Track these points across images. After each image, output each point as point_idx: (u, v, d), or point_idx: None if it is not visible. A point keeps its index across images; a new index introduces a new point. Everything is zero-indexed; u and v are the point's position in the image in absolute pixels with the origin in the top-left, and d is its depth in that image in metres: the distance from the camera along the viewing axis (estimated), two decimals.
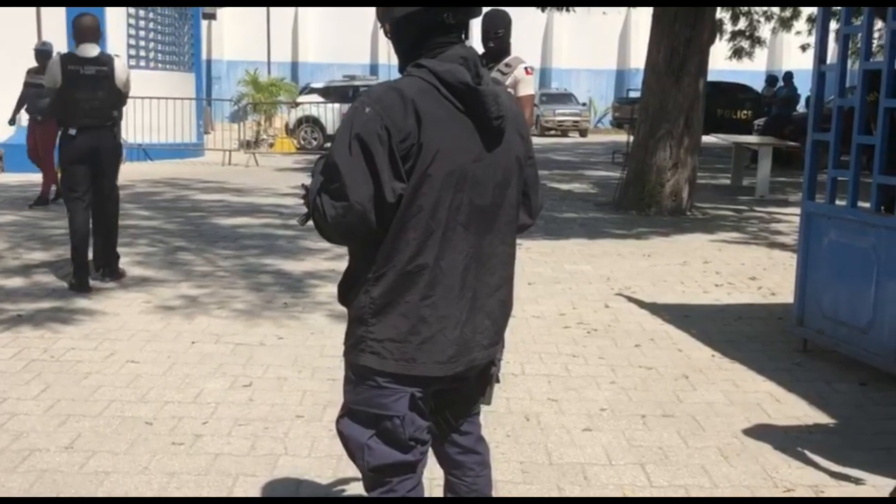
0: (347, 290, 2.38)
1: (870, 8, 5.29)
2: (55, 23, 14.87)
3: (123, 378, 4.91)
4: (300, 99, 24.10)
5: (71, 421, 4.28)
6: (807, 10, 21.23)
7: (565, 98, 34.08)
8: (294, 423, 4.31)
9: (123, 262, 7.45)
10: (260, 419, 4.36)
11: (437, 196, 2.24)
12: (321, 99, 22.96)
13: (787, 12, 21.55)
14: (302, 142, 22.58)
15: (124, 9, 17.80)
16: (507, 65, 5.38)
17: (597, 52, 40.81)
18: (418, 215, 2.23)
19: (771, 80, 22.46)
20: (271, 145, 22.17)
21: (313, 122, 22.70)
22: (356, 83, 24.51)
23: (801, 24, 22.33)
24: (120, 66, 7.08)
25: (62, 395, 4.62)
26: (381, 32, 2.48)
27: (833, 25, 6.10)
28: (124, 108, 7.14)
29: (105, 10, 17.31)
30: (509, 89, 5.11)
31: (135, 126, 17.46)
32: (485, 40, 5.25)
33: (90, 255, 7.08)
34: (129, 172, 15.53)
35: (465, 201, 2.28)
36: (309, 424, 4.30)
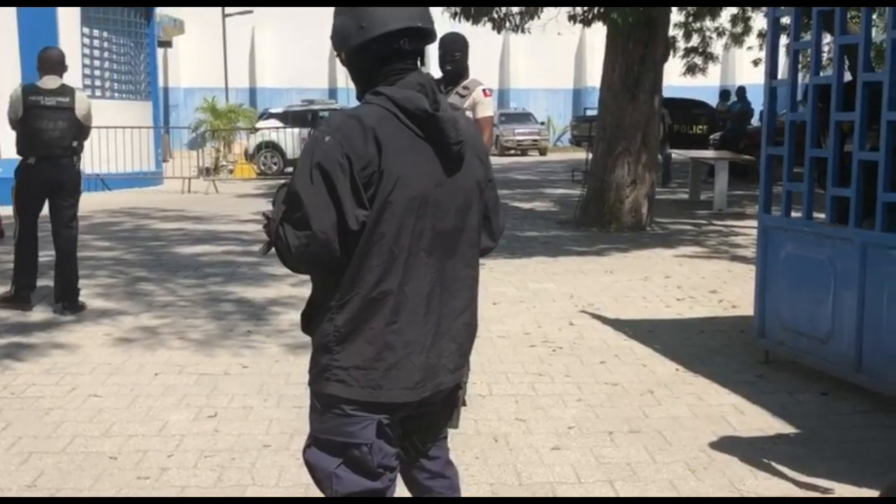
0: (311, 318, 2.38)
1: (818, 23, 5.41)
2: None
3: (86, 413, 4.84)
4: (259, 124, 24.05)
5: (33, 458, 4.21)
6: (757, 26, 21.59)
7: (524, 117, 34.37)
8: (261, 453, 4.27)
9: (84, 294, 7.36)
10: (226, 450, 4.32)
11: (400, 222, 2.25)
12: (280, 124, 22.93)
13: (739, 28, 21.91)
14: (262, 167, 22.53)
15: (79, 38, 17.66)
16: (465, 87, 5.42)
17: (553, 71, 41.23)
18: (381, 242, 2.24)
19: (724, 94, 22.80)
20: (231, 171, 22.06)
21: (273, 147, 22.66)
22: (315, 107, 24.51)
23: (752, 40, 22.69)
24: (81, 98, 7.16)
25: (24, 432, 4.55)
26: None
27: (783, 40, 6.23)
28: (85, 140, 7.18)
29: (59, 39, 17.19)
30: (468, 111, 5.16)
31: (92, 156, 17.25)
32: (442, 64, 5.29)
33: (36, 282, 7.11)
34: (88, 203, 15.31)
35: (427, 226, 2.30)
36: (276, 454, 4.27)
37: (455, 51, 5.23)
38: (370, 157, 2.20)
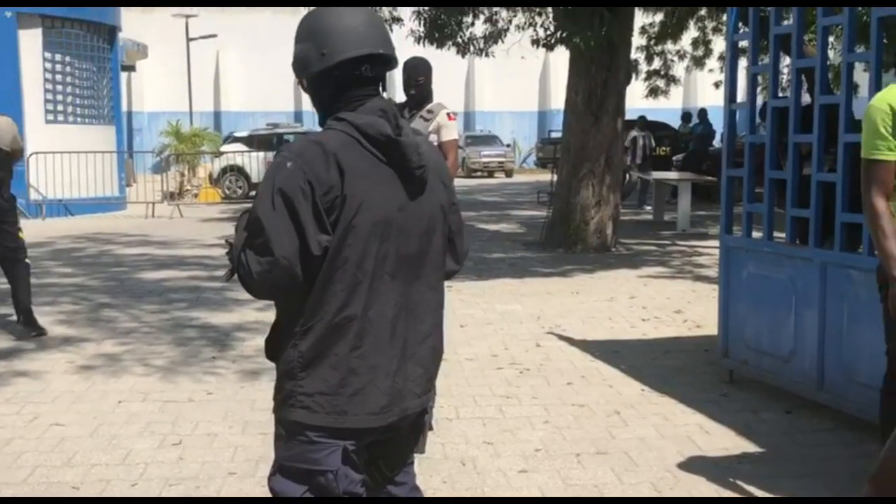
0: (275, 344, 2.37)
1: (775, 46, 5.50)
2: None
3: (48, 442, 4.76)
4: (224, 148, 23.96)
5: None
6: (718, 49, 21.89)
7: (490, 140, 34.60)
8: (226, 481, 4.23)
9: (46, 322, 7.27)
10: (191, 478, 4.27)
11: (363, 247, 2.25)
12: (245, 148, 22.87)
13: (700, 51, 22.22)
14: (227, 191, 22.43)
15: (41, 63, 17.54)
16: (429, 111, 5.43)
17: (518, 94, 41.57)
18: (344, 266, 2.24)
19: (686, 116, 23.07)
20: (195, 196, 21.93)
21: (238, 170, 22.58)
22: (280, 131, 24.48)
23: (713, 62, 23.02)
24: (5, 124, 6.96)
25: None
26: None
27: (742, 63, 6.32)
28: (17, 166, 7.08)
29: (21, 64, 17.06)
30: (432, 135, 5.17)
31: (54, 181, 17.16)
32: (406, 88, 5.30)
33: None
34: (50, 229, 15.22)
35: (391, 251, 2.30)
36: (242, 481, 4.23)
37: (419, 75, 5.24)
38: (332, 182, 2.21)
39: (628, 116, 13.68)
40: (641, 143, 18.59)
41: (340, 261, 2.24)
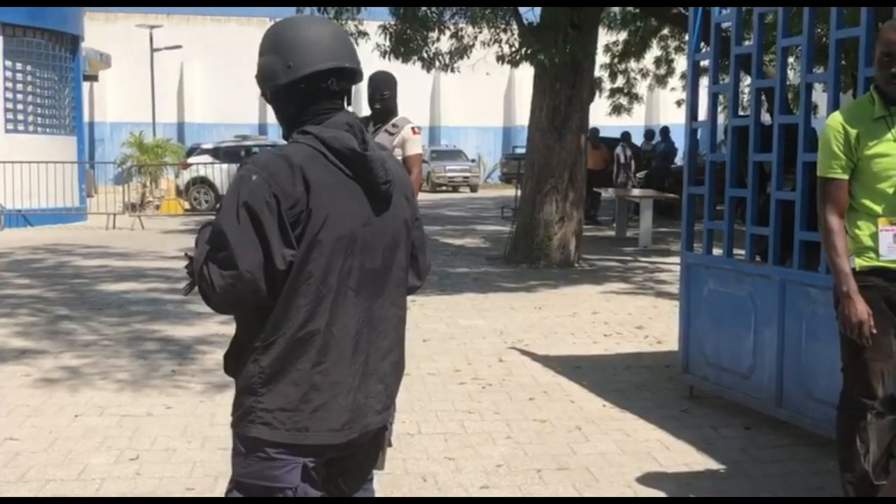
0: (235, 359, 2.34)
1: (735, 65, 5.58)
2: None
3: (2, 457, 4.67)
4: (191, 160, 23.83)
5: None
6: (680, 68, 22.18)
7: (455, 154, 34.69)
8: (185, 496, 4.17)
9: (2, 334, 7.16)
10: (148, 494, 4.21)
11: (328, 261, 2.24)
12: (212, 159, 22.75)
13: (663, 69, 22.51)
14: (193, 203, 22.33)
15: (1, 72, 17.32)
16: (394, 125, 5.44)
17: (484, 110, 41.78)
18: (308, 281, 2.23)
19: (648, 134, 23.29)
20: (157, 207, 21.74)
21: (204, 182, 22.49)
22: (248, 143, 24.42)
23: (675, 81, 23.32)
24: None
25: None
26: None
27: (704, 82, 6.40)
28: None
29: None
30: (397, 149, 5.17)
31: (13, 191, 16.91)
32: (371, 102, 5.30)
33: None
34: (8, 239, 14.99)
35: (355, 265, 2.29)
36: (200, 497, 4.17)
37: (384, 89, 5.25)
38: (298, 195, 2.19)
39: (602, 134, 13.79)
40: (625, 157, 18.69)
41: (305, 275, 2.22)
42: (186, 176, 22.60)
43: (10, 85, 17.62)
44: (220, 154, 23.16)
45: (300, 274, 2.22)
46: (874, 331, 3.45)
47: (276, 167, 2.21)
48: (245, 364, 2.28)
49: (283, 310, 2.23)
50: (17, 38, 17.66)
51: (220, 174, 21.78)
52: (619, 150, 18.86)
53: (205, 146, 25.45)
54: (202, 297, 2.27)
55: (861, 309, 3.45)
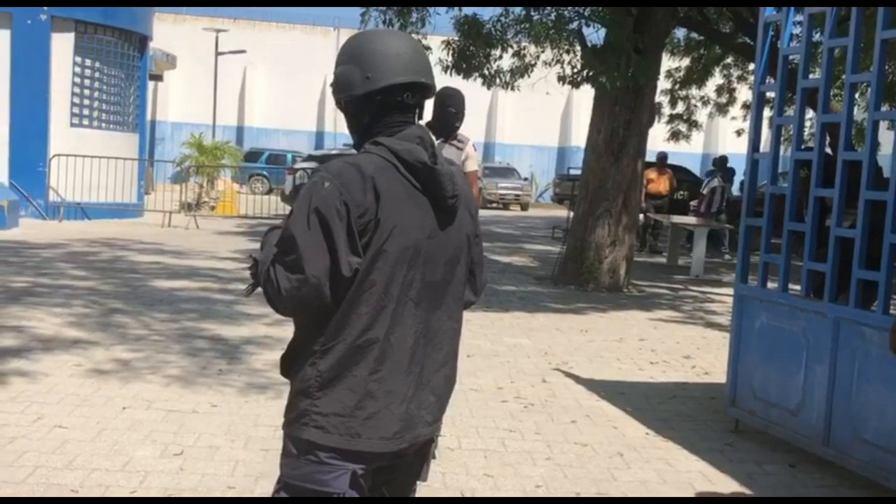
0: (292, 362, 2.36)
1: (801, 99, 5.52)
2: None
3: (50, 443, 4.77)
4: (298, 165, 24.27)
5: None
6: (742, 98, 21.99)
7: (508, 172, 34.70)
8: (225, 495, 4.22)
9: (57, 323, 7.30)
10: (190, 489, 4.27)
11: (392, 271, 2.26)
12: (318, 166, 23.12)
13: (724, 98, 22.32)
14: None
15: (70, 67, 17.73)
16: (460, 140, 5.50)
17: (540, 129, 41.78)
18: (371, 290, 2.25)
19: (720, 161, 22.21)
20: (213, 208, 22.05)
21: None
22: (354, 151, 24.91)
23: (736, 110, 23.12)
24: None
25: None
26: (328, 100, 2.53)
27: (767, 113, 6.35)
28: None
29: (52, 67, 17.25)
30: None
31: (73, 184, 17.28)
32: (437, 116, 5.35)
33: None
34: (65, 231, 15.31)
35: (417, 277, 2.31)
36: (241, 496, 4.22)
37: (451, 105, 5.30)
38: (368, 205, 2.23)
39: (648, 159, 13.61)
40: (720, 193, 17.25)
41: (368, 283, 2.25)
42: (293, 181, 22.95)
43: (78, 80, 18.01)
44: (327, 161, 23.52)
45: (364, 282, 2.25)
46: None
47: (348, 176, 2.25)
48: (302, 367, 2.31)
49: (345, 316, 2.26)
50: (89, 35, 18.07)
51: None
52: (716, 182, 17.50)
53: (313, 153, 26.14)
54: (266, 299, 2.30)
55: None
